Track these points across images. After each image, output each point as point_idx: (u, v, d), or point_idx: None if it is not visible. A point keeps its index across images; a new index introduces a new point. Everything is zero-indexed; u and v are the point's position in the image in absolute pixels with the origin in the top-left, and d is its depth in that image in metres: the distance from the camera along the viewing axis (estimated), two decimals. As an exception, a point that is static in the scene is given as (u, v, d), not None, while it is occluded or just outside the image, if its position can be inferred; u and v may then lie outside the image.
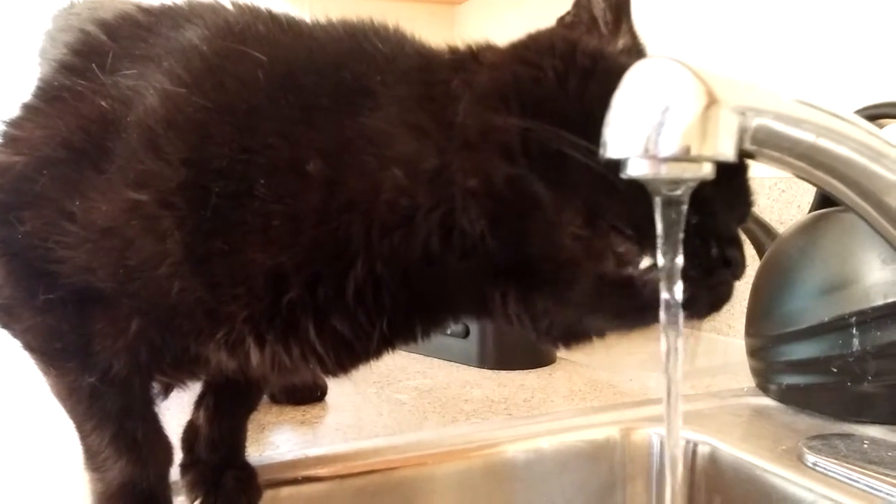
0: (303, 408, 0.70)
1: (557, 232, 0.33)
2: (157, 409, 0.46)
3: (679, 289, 0.31)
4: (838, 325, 0.62)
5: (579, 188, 0.33)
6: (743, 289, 0.75)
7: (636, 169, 0.29)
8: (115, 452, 0.43)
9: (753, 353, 0.72)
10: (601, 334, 0.38)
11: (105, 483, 0.44)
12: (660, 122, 0.28)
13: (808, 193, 0.84)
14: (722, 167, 0.30)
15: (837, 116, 0.31)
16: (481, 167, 0.34)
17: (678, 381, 0.31)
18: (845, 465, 0.52)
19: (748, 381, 0.74)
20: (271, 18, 0.42)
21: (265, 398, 0.69)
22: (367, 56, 0.39)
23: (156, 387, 0.46)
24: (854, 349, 0.61)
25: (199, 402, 0.53)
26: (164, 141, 0.37)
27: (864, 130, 0.31)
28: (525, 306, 0.36)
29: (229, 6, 0.43)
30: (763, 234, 0.78)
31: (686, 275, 0.31)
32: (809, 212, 0.74)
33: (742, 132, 0.29)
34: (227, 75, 0.39)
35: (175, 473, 0.50)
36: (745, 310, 0.73)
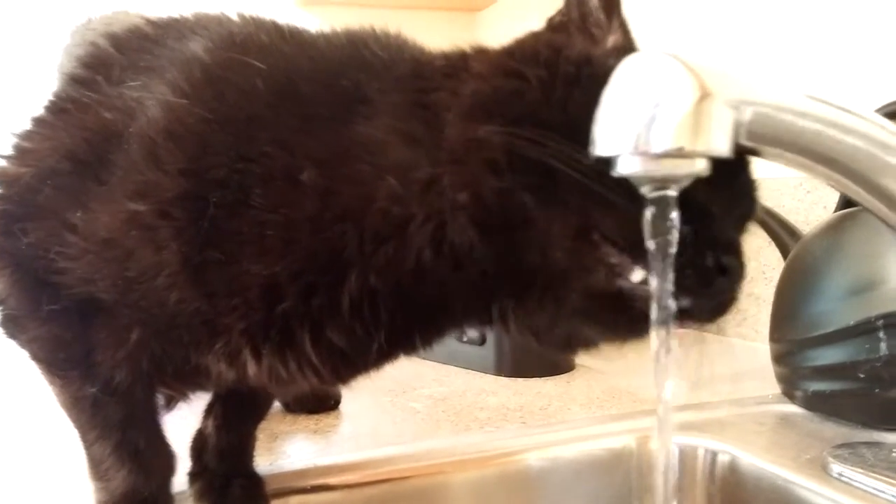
0: (316, 416, 0.70)
1: (548, 244, 0.33)
2: (160, 419, 0.46)
3: (670, 298, 0.30)
4: (865, 329, 0.60)
5: (569, 200, 0.32)
6: (768, 292, 0.73)
7: (627, 166, 0.28)
8: (118, 462, 0.43)
9: (778, 358, 0.70)
10: (597, 343, 0.38)
11: (108, 492, 0.44)
12: (651, 118, 0.27)
13: (834, 193, 0.81)
14: (719, 168, 0.28)
15: (839, 108, 0.29)
16: (469, 182, 0.34)
17: (667, 394, 0.30)
18: (872, 474, 0.50)
19: (775, 388, 0.72)
20: (275, 29, 0.42)
21: (279, 407, 0.69)
22: (365, 63, 0.39)
23: (160, 399, 0.46)
24: (882, 354, 0.59)
25: (208, 412, 0.53)
26: (163, 151, 0.38)
27: (869, 121, 0.30)
28: (522, 315, 0.36)
29: (235, 18, 0.43)
30: (787, 236, 0.76)
31: (681, 285, 0.30)
32: (835, 211, 0.71)
33: (737, 126, 0.28)
34: (227, 85, 0.39)
35: (182, 482, 0.51)
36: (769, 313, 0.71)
